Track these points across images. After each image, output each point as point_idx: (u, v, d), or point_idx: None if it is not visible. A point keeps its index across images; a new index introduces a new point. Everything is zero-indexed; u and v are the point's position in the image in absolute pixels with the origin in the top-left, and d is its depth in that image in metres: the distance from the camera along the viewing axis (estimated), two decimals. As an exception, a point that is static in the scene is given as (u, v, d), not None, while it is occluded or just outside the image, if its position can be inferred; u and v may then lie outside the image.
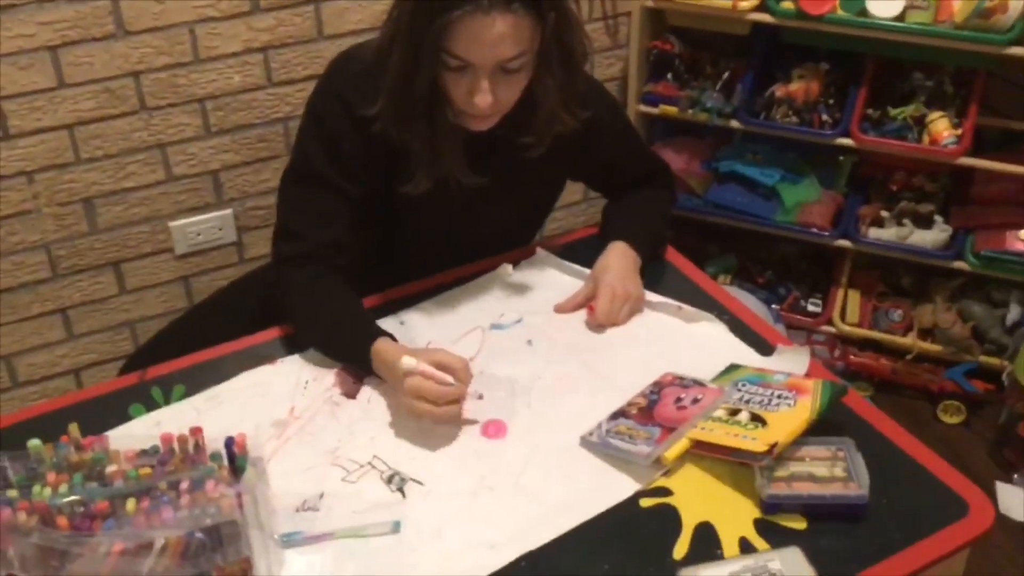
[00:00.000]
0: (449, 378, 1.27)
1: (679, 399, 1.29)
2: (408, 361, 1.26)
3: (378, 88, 1.36)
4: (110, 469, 1.04)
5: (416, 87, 1.30)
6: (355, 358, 1.38)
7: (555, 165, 1.48)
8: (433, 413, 1.26)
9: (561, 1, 1.32)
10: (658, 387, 1.33)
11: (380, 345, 1.34)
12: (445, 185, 1.41)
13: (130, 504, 0.99)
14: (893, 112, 2.25)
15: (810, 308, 2.48)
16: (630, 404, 1.31)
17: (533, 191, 1.60)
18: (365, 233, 1.49)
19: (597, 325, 1.47)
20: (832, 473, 1.17)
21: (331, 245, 1.44)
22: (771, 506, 1.15)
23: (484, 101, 1.29)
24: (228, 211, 2.19)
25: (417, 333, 1.47)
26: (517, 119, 1.39)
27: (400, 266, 1.58)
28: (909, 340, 2.38)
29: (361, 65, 1.40)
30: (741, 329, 1.46)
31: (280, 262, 1.46)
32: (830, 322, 2.44)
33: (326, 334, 1.42)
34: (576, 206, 2.69)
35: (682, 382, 1.33)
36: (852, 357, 2.42)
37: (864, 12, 2.10)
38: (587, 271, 1.56)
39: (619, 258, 1.53)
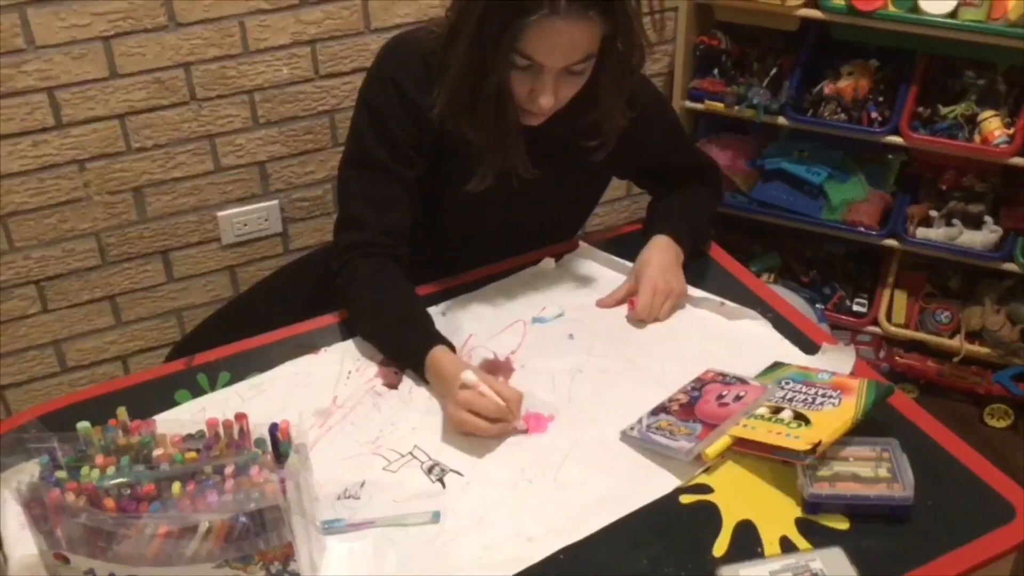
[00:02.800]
0: (502, 402, 1.26)
1: (721, 396, 1.28)
2: (470, 376, 1.26)
3: (431, 76, 1.37)
4: (157, 453, 1.05)
5: (485, 84, 1.30)
6: (409, 359, 1.38)
7: (603, 161, 1.48)
8: (479, 426, 1.25)
9: (629, 6, 1.31)
10: (700, 383, 1.33)
11: (438, 354, 1.34)
12: (498, 181, 1.41)
13: (176, 487, 1.00)
14: (944, 111, 2.21)
15: (855, 308, 2.45)
16: (671, 400, 1.30)
17: (580, 186, 1.60)
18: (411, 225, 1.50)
19: (638, 320, 1.47)
20: (876, 474, 1.16)
21: (392, 232, 1.44)
22: (813, 505, 1.14)
23: (548, 103, 1.30)
24: (274, 202, 2.21)
25: (459, 325, 1.48)
26: (571, 115, 1.39)
27: (441, 260, 1.58)
28: (956, 342, 2.34)
29: (416, 51, 1.41)
30: (785, 327, 1.45)
31: (343, 250, 1.46)
32: (876, 322, 2.41)
33: (384, 330, 1.42)
34: (619, 202, 2.68)
35: (724, 379, 1.32)
36: (898, 358, 2.39)
37: (916, 8, 2.07)
38: (629, 265, 1.55)
39: (661, 252, 1.52)
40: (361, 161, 1.46)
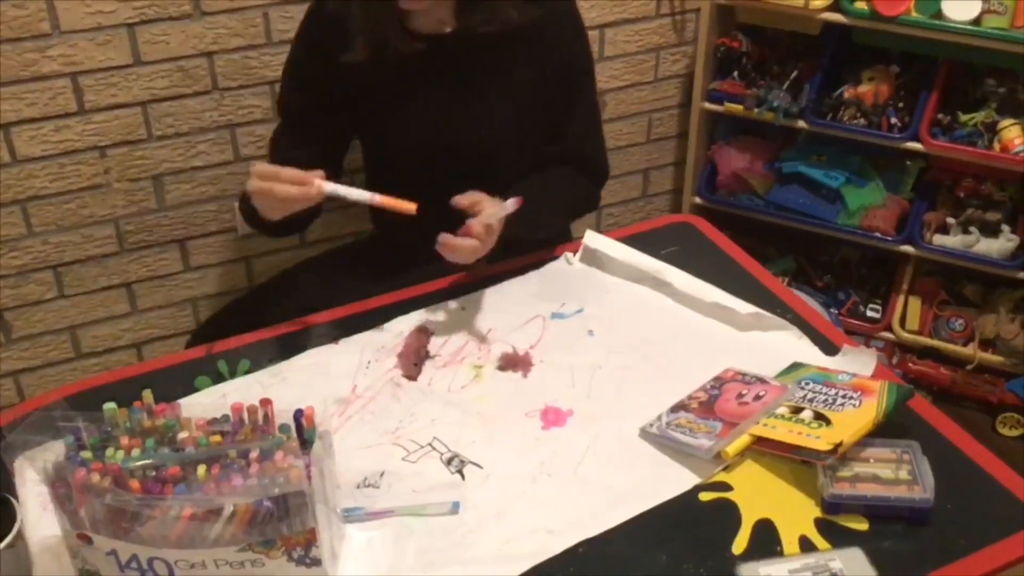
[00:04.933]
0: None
1: (741, 395, 1.29)
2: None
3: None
4: (182, 435, 1.06)
5: None
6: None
7: (513, 81, 1.55)
8: (276, 189, 1.33)
9: None
10: (720, 382, 1.33)
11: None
12: (410, 91, 1.53)
13: (201, 470, 1.01)
14: (964, 118, 2.21)
15: (869, 314, 2.45)
16: (691, 398, 1.31)
17: (502, 104, 1.59)
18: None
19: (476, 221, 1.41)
20: (897, 475, 1.16)
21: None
22: (833, 506, 1.15)
23: None
24: (292, 193, 2.21)
25: (478, 319, 1.48)
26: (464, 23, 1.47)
27: (424, 228, 1.56)
28: (970, 350, 2.34)
29: None
30: (805, 329, 1.45)
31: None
32: (889, 328, 2.41)
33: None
34: (634, 202, 2.68)
35: (744, 378, 1.32)
36: (911, 365, 2.39)
37: (939, 15, 2.07)
38: (648, 258, 1.55)
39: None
40: (281, 107, 1.64)
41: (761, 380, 1.31)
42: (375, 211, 1.69)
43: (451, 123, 1.58)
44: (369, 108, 1.59)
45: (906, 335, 2.38)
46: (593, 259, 1.60)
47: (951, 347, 2.36)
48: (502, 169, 1.59)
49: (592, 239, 1.61)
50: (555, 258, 1.61)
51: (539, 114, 1.61)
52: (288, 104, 1.65)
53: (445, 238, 1.37)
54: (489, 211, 1.39)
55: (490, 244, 1.41)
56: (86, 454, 1.03)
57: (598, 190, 1.73)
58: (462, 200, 1.40)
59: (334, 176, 1.49)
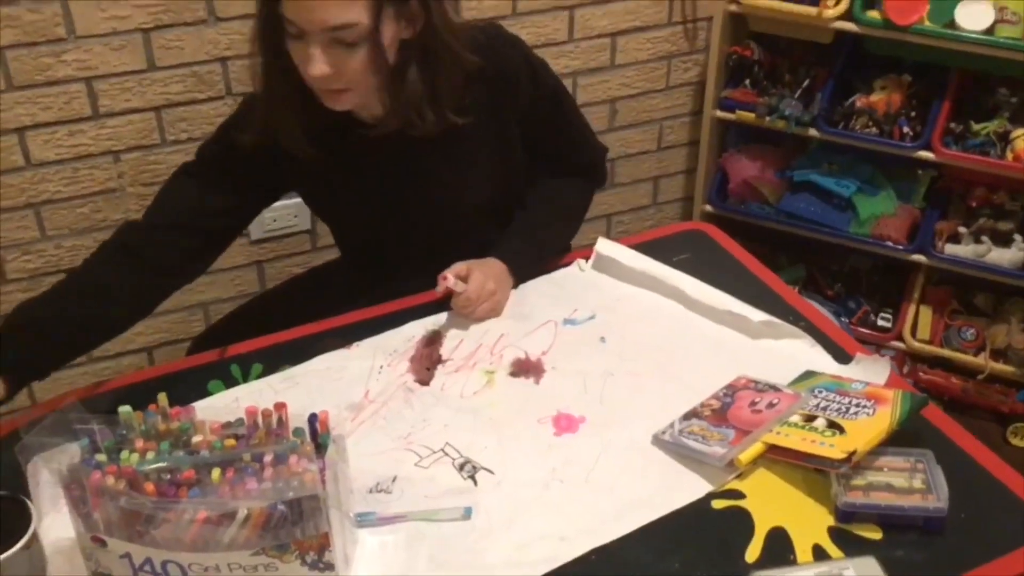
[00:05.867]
0: None
1: (754, 403, 1.28)
2: None
3: None
4: (196, 439, 1.06)
5: (263, 50, 1.36)
6: None
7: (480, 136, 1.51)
8: None
9: None
10: (732, 390, 1.32)
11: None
12: (363, 174, 1.50)
13: (215, 473, 1.01)
14: (976, 127, 2.21)
15: (880, 323, 2.45)
16: (703, 405, 1.31)
17: (470, 160, 1.55)
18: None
19: (457, 307, 1.48)
20: (911, 484, 1.16)
21: (164, 227, 1.47)
22: (847, 514, 1.14)
23: (315, 70, 1.31)
24: (304, 199, 2.22)
25: (490, 324, 1.48)
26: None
27: (399, 267, 1.62)
28: (981, 360, 2.33)
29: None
30: (818, 337, 1.44)
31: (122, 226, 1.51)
32: (900, 338, 2.40)
33: None
34: (644, 210, 2.68)
35: (756, 386, 1.32)
36: (922, 374, 2.38)
37: (952, 24, 2.07)
38: (660, 265, 1.55)
39: (500, 269, 1.52)
40: (199, 150, 1.53)
41: (774, 388, 1.31)
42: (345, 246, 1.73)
43: (415, 202, 1.54)
44: (321, 190, 1.57)
45: (917, 344, 2.38)
46: (605, 266, 1.60)
47: (962, 357, 2.35)
48: (478, 226, 1.61)
49: (604, 246, 1.61)
50: (567, 264, 1.61)
51: (512, 163, 1.59)
52: (213, 154, 1.52)
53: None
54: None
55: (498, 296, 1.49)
56: (101, 457, 1.04)
57: (594, 186, 1.71)
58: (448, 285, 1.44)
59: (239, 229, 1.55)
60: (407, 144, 1.45)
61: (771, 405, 1.27)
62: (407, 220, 1.56)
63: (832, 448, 1.16)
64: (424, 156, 1.49)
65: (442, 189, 1.54)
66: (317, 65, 1.30)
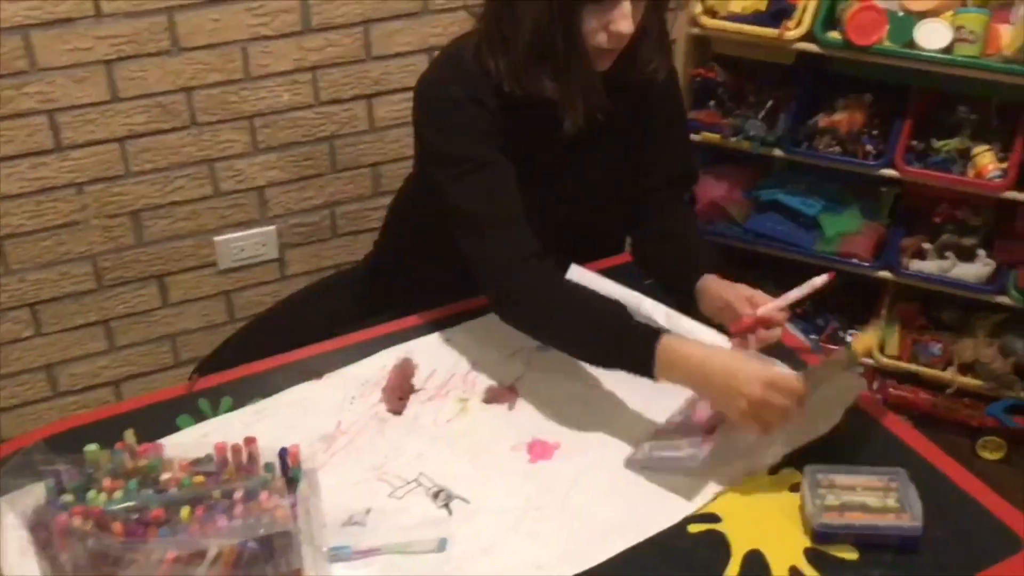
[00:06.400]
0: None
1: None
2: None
3: (478, 71, 1.40)
4: (164, 476, 1.04)
5: (558, 29, 1.33)
6: (631, 355, 1.28)
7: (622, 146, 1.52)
8: (783, 406, 1.17)
9: None
10: (691, 404, 1.33)
11: (669, 341, 1.25)
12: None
13: (184, 512, 0.99)
14: (938, 144, 2.24)
15: (849, 340, 2.46)
16: (668, 423, 1.31)
17: (612, 169, 1.57)
18: None
19: (767, 340, 1.38)
20: (885, 504, 1.16)
21: (527, 229, 1.40)
22: (823, 535, 1.14)
23: (628, 26, 1.32)
24: (272, 227, 2.21)
25: (463, 352, 1.48)
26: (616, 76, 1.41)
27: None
28: (949, 374, 2.35)
29: (450, 69, 1.45)
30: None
31: (498, 267, 1.38)
32: (869, 354, 2.41)
33: (591, 333, 1.34)
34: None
35: None
36: (891, 390, 2.40)
37: (912, 44, 2.10)
38: (629, 292, 1.55)
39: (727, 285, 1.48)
40: (466, 171, 1.41)
41: None
42: (393, 233, 1.70)
43: (561, 183, 1.53)
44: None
45: (886, 360, 2.40)
46: (576, 290, 1.60)
47: (931, 372, 2.37)
48: (600, 221, 1.61)
49: (575, 272, 1.61)
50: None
51: (637, 156, 1.58)
52: (475, 156, 1.41)
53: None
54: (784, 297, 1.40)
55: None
56: (67, 497, 1.02)
57: (693, 199, 1.73)
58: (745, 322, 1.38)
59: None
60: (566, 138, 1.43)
61: None
62: (550, 200, 1.51)
63: None
64: (580, 142, 1.47)
65: (586, 176, 1.53)
66: (629, 21, 1.32)
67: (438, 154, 1.44)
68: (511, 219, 1.39)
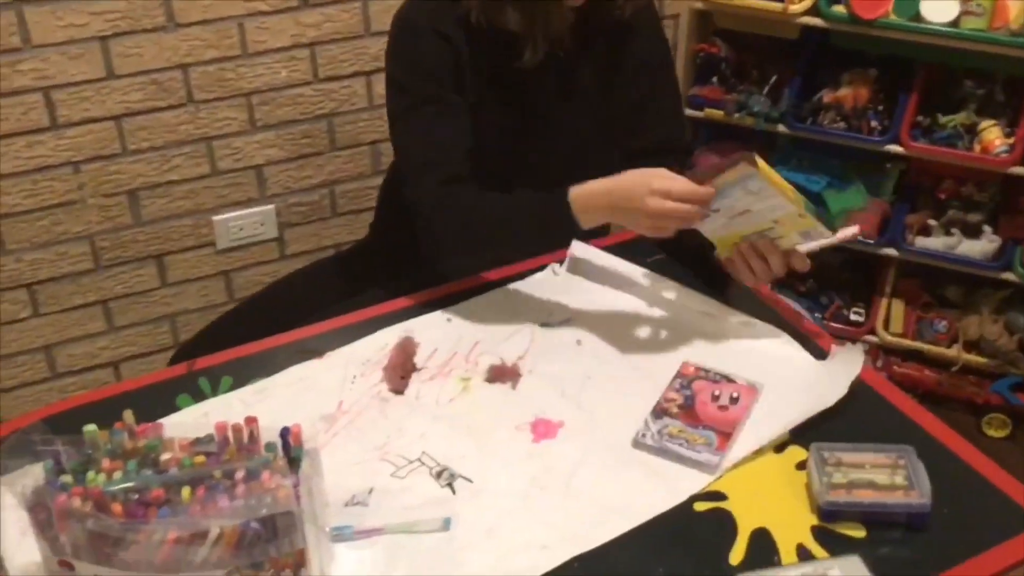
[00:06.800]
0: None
1: (715, 396, 1.30)
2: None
3: (447, 6, 1.43)
4: (165, 457, 1.03)
5: None
6: (557, 224, 1.37)
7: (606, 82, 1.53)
8: (679, 209, 1.26)
9: None
10: (686, 380, 1.33)
11: (575, 192, 1.34)
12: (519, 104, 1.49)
13: (185, 492, 0.98)
14: (943, 120, 2.22)
15: (853, 317, 2.45)
16: (667, 400, 1.30)
17: (589, 125, 1.58)
18: None
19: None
20: (893, 481, 1.15)
21: (465, 161, 1.44)
22: (830, 513, 1.13)
23: None
24: (270, 206, 2.19)
25: (465, 331, 1.46)
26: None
27: None
28: (954, 352, 2.34)
29: (427, 14, 1.46)
30: (794, 334, 1.43)
31: (430, 192, 1.43)
32: (873, 332, 2.41)
33: (521, 225, 1.42)
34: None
35: (708, 375, 1.33)
36: (896, 368, 2.39)
37: (918, 17, 2.07)
38: (633, 267, 1.54)
39: None
40: (411, 106, 1.46)
41: (727, 379, 1.32)
42: (384, 210, 1.71)
43: (524, 137, 1.54)
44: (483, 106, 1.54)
45: (890, 338, 2.38)
46: (579, 269, 1.58)
47: (935, 349, 2.36)
48: (580, 175, 1.58)
49: (578, 249, 1.59)
50: (541, 268, 1.59)
51: (618, 115, 1.59)
52: (424, 93, 1.46)
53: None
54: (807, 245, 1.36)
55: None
56: (66, 478, 1.00)
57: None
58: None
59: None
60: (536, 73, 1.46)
61: (734, 400, 1.29)
62: (514, 154, 1.55)
63: None
64: (544, 93, 1.51)
65: (551, 131, 1.55)
66: None
67: (392, 81, 1.49)
68: (442, 162, 1.43)
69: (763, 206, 1.29)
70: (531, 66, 1.44)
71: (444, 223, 1.43)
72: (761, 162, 1.25)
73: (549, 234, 1.45)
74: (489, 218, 1.43)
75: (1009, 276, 2.23)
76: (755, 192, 1.27)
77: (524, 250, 1.53)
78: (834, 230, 1.35)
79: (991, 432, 2.32)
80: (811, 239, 1.34)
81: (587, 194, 1.35)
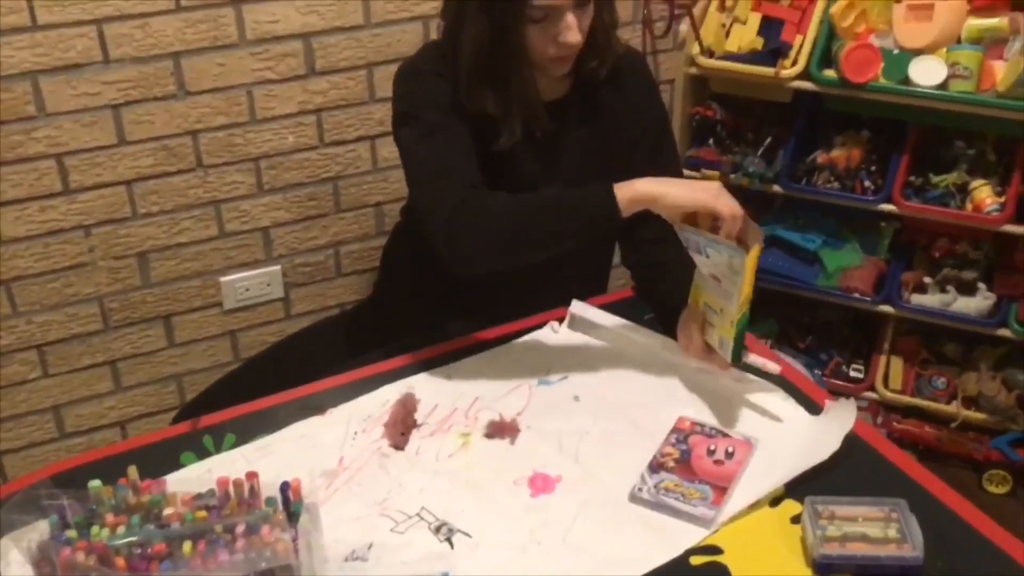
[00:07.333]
0: None
1: (711, 451, 1.31)
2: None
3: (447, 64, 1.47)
4: (167, 512, 1.05)
5: (500, 49, 1.40)
6: (600, 208, 1.34)
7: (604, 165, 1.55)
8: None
9: None
10: (682, 434, 1.35)
11: (619, 187, 1.33)
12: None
13: (186, 546, 1.00)
14: (935, 179, 2.26)
15: (852, 374, 2.47)
16: (663, 455, 1.32)
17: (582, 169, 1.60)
18: None
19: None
20: (886, 534, 1.16)
21: (476, 181, 1.44)
22: (824, 566, 1.14)
23: (575, 37, 1.38)
24: (276, 267, 2.23)
25: (465, 387, 1.48)
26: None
27: (470, 293, 1.60)
28: (953, 408, 2.35)
29: (424, 62, 1.53)
30: (789, 390, 1.45)
31: (440, 210, 1.39)
32: (873, 388, 2.42)
33: (555, 212, 1.39)
34: (615, 269, 2.69)
35: (703, 429, 1.36)
36: (895, 424, 2.40)
37: (906, 80, 2.12)
38: (631, 325, 1.56)
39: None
40: (422, 134, 1.48)
41: (722, 434, 1.35)
42: (387, 269, 1.76)
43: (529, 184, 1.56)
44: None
45: (890, 394, 2.40)
46: (578, 326, 1.61)
47: (935, 405, 2.37)
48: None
49: (578, 307, 1.62)
50: (540, 326, 1.62)
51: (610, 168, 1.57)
52: (433, 121, 1.48)
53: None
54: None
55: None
56: (71, 533, 1.02)
57: None
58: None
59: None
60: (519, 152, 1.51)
61: (729, 454, 1.30)
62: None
63: None
64: (529, 163, 1.55)
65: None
66: (575, 32, 1.38)
67: (401, 115, 1.53)
68: (460, 172, 1.44)
69: (727, 287, 1.33)
70: (507, 148, 1.48)
71: (469, 221, 1.38)
72: (756, 251, 1.29)
73: (579, 223, 1.37)
74: (518, 211, 1.39)
75: (1005, 332, 2.25)
76: (733, 270, 1.31)
77: (554, 244, 1.40)
78: (741, 365, 1.41)
79: (992, 488, 2.32)
80: (720, 348, 1.38)
81: (629, 185, 1.33)
